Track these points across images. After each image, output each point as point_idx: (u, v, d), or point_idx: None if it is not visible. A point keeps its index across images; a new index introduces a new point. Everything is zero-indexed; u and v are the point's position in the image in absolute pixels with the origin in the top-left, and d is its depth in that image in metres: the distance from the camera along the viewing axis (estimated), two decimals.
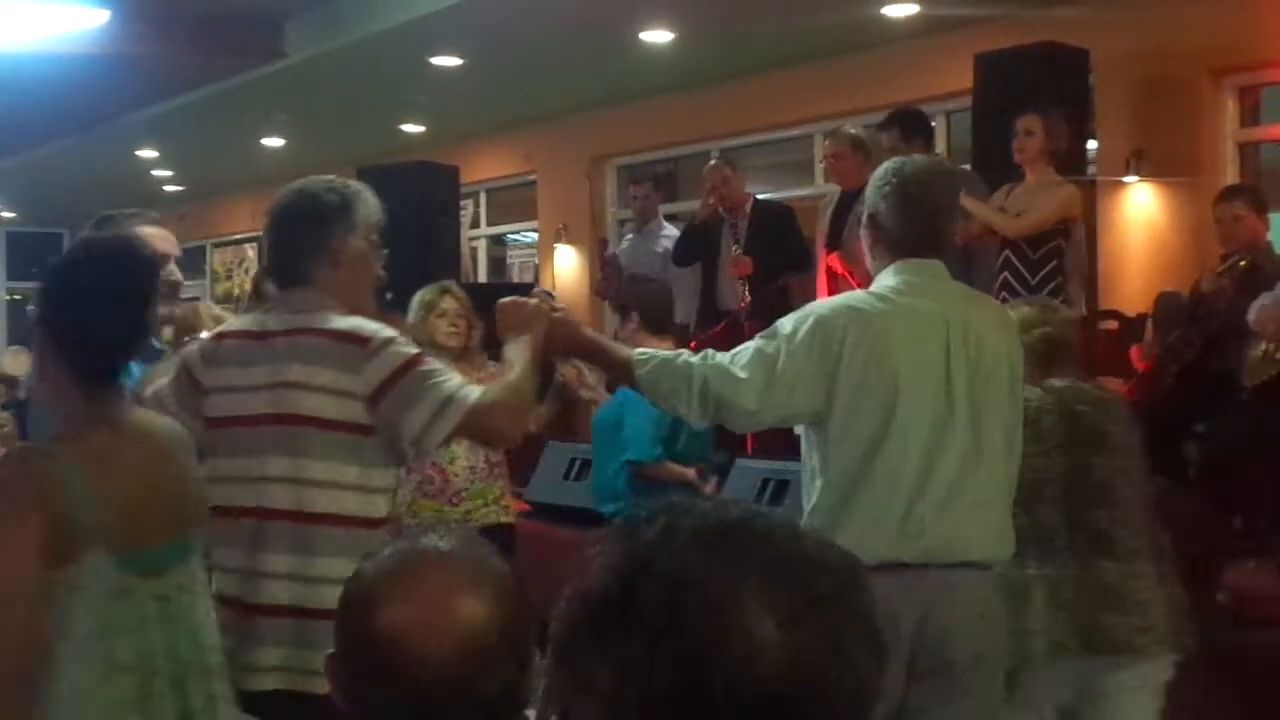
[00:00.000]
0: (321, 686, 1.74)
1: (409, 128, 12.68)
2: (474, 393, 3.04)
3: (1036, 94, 6.81)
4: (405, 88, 10.98)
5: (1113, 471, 3.67)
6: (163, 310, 3.49)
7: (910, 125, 6.79)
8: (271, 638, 2.99)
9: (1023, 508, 3.39)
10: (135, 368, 3.41)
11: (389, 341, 3.05)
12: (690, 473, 5.34)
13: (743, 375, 3.12)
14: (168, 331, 3.81)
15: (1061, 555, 3.62)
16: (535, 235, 13.26)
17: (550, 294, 5.15)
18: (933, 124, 8.04)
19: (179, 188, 16.71)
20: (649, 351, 3.29)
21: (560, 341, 3.31)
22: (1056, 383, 3.76)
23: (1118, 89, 8.11)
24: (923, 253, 3.28)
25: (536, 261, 13.25)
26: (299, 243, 3.15)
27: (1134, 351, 6.87)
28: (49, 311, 2.55)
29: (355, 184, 3.26)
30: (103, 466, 2.45)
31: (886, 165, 3.41)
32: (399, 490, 5.20)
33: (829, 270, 7.10)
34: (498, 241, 14.56)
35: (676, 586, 0.96)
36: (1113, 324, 7.81)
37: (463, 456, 5.43)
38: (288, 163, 14.49)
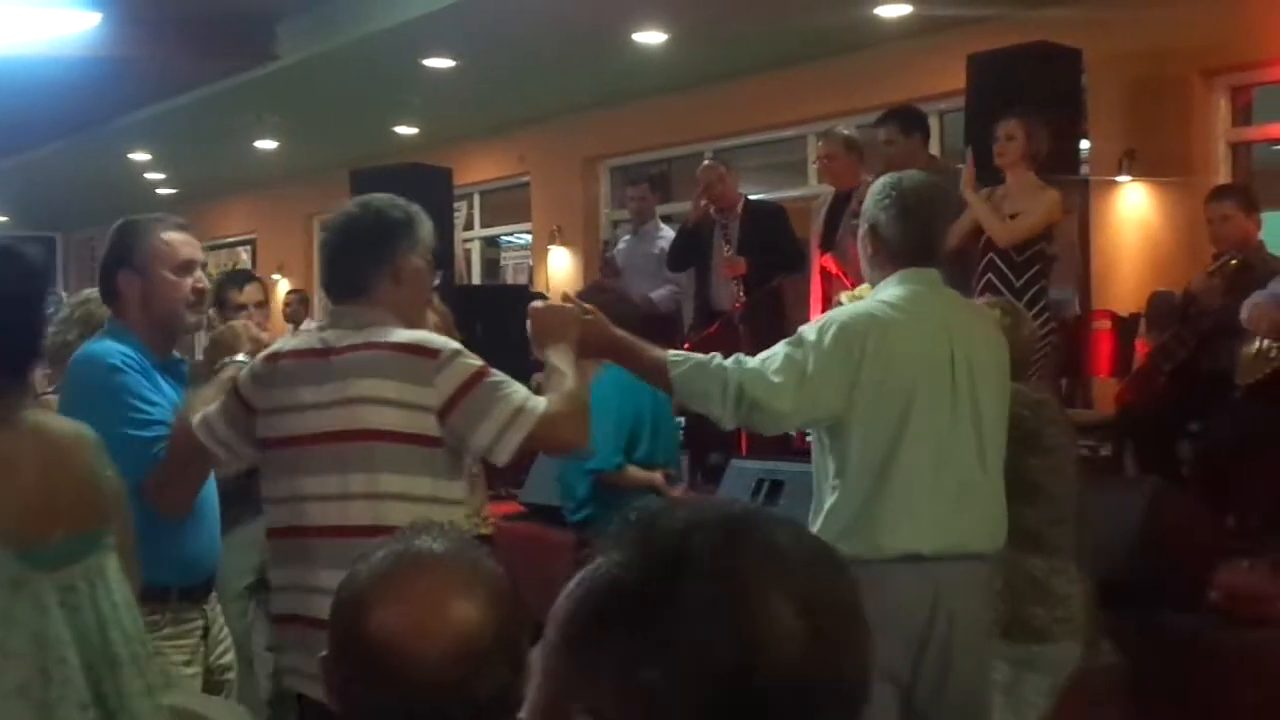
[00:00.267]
0: None
1: (402, 130, 12.68)
2: (541, 403, 3.05)
3: (1029, 94, 6.82)
4: (398, 89, 10.98)
5: (1046, 472, 3.86)
6: (193, 319, 3.49)
7: (909, 120, 6.79)
8: None
9: None
10: (172, 390, 3.38)
11: (457, 353, 3.06)
12: (656, 477, 5.31)
13: (776, 380, 3.30)
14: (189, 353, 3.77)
15: None
16: (529, 237, 13.27)
17: (544, 296, 5.15)
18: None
19: (172, 191, 16.70)
20: (683, 353, 3.43)
21: (594, 344, 3.36)
22: None
23: (1110, 89, 8.12)
24: (921, 261, 3.51)
25: (530, 263, 13.25)
26: (364, 257, 3.16)
27: (1139, 345, 6.89)
28: None
29: (414, 205, 3.27)
30: None
31: (885, 179, 3.61)
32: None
33: (823, 271, 7.11)
34: (491, 243, 14.56)
35: (717, 576, 0.98)
36: (1106, 324, 7.83)
37: None
38: (281, 165, 14.53)
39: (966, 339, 3.47)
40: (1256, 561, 5.36)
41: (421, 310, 3.32)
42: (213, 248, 18.09)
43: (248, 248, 17.50)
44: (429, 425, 3.02)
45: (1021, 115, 6.13)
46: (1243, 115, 8.19)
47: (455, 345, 3.10)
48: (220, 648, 3.46)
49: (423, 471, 3.05)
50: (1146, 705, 4.51)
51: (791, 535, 1.03)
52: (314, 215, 15.94)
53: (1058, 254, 6.57)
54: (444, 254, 10.09)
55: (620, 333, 3.46)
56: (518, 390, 3.06)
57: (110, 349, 3.33)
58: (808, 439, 9.02)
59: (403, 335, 3.09)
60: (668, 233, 8.91)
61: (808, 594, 1.00)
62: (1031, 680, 3.88)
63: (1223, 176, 7.83)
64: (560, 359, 3.19)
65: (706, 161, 8.44)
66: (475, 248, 14.11)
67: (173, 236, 3.44)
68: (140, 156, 14.65)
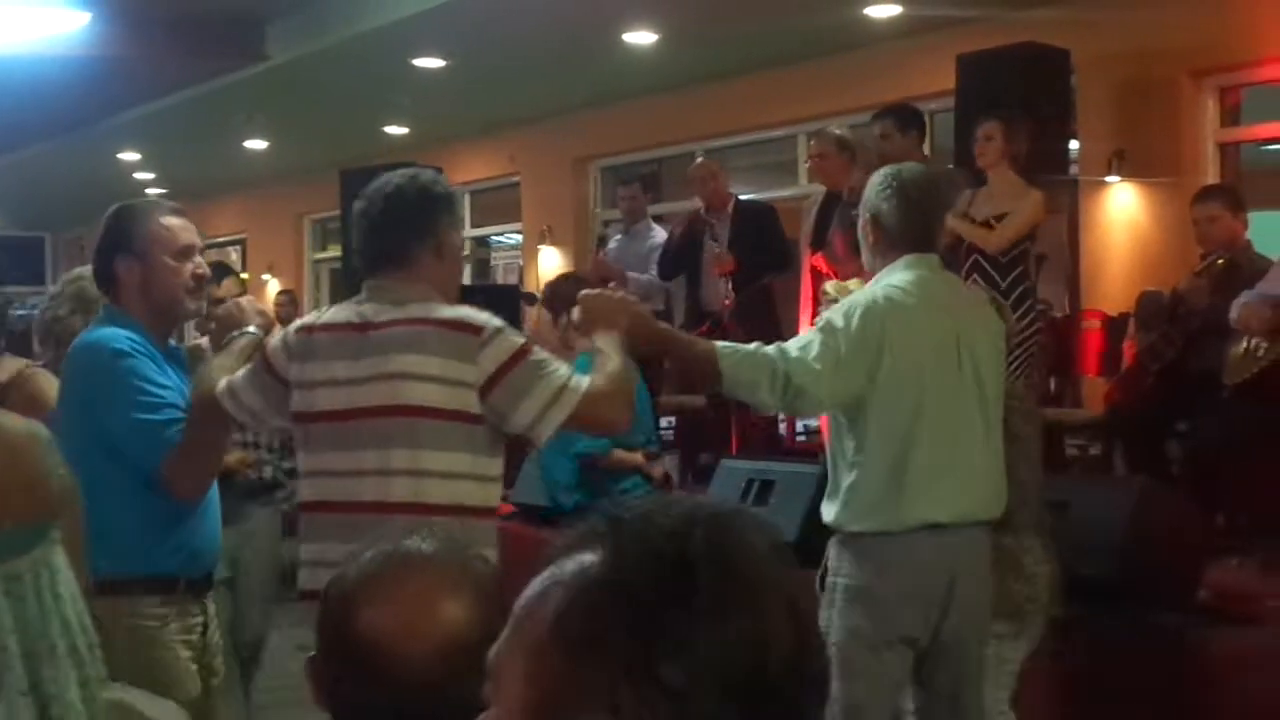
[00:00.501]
0: None
1: (392, 129, 12.66)
2: (585, 382, 3.04)
3: (1018, 95, 6.83)
4: (388, 89, 10.97)
5: (1015, 456, 3.95)
6: (193, 305, 3.41)
7: (906, 117, 6.80)
8: None
9: None
10: (175, 375, 3.33)
11: (500, 330, 3.04)
12: (638, 457, 5.41)
13: (818, 366, 3.50)
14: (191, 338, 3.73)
15: None
16: (519, 237, 13.26)
17: (534, 297, 5.16)
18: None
19: (161, 191, 16.66)
20: (730, 344, 3.63)
21: (641, 334, 3.39)
22: None
23: (1099, 89, 8.13)
24: (922, 248, 3.71)
25: (521, 263, 13.25)
26: (408, 229, 3.13)
27: (1127, 346, 6.90)
28: None
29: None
30: None
31: (885, 171, 3.80)
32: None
33: (813, 270, 7.11)
34: (482, 243, 14.55)
35: (731, 577, 0.98)
36: (1095, 323, 7.84)
37: None
38: (271, 165, 14.50)
39: (969, 321, 3.71)
40: (1245, 560, 5.37)
41: (457, 288, 3.29)
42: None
43: (237, 248, 17.47)
44: (471, 402, 3.00)
45: (999, 116, 6.14)
46: (1231, 116, 8.20)
47: (498, 322, 3.08)
48: (214, 647, 3.41)
49: (463, 448, 3.02)
50: (1136, 703, 4.52)
51: (767, 535, 1.04)
52: (304, 215, 15.93)
53: (1044, 253, 6.58)
54: None
55: (665, 326, 3.61)
56: (560, 369, 3.04)
57: (114, 334, 3.25)
58: (798, 439, 9.06)
59: (446, 311, 3.07)
60: (659, 232, 8.92)
61: (791, 593, 1.02)
62: (1008, 655, 4.01)
63: (1211, 177, 7.84)
64: (608, 344, 3.19)
65: (699, 159, 8.45)
66: (466, 247, 14.10)
67: (172, 221, 3.36)
68: (130, 156, 14.62)
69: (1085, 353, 7.93)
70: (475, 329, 3.02)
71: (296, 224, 16.00)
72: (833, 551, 3.70)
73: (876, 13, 8.70)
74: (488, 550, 2.64)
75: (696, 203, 8.08)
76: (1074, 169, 8.16)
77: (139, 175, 15.59)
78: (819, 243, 7.19)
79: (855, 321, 3.53)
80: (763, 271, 7.79)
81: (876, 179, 3.78)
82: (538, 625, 1.01)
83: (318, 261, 16.13)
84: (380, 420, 3.02)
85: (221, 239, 17.47)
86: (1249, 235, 6.19)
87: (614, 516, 1.03)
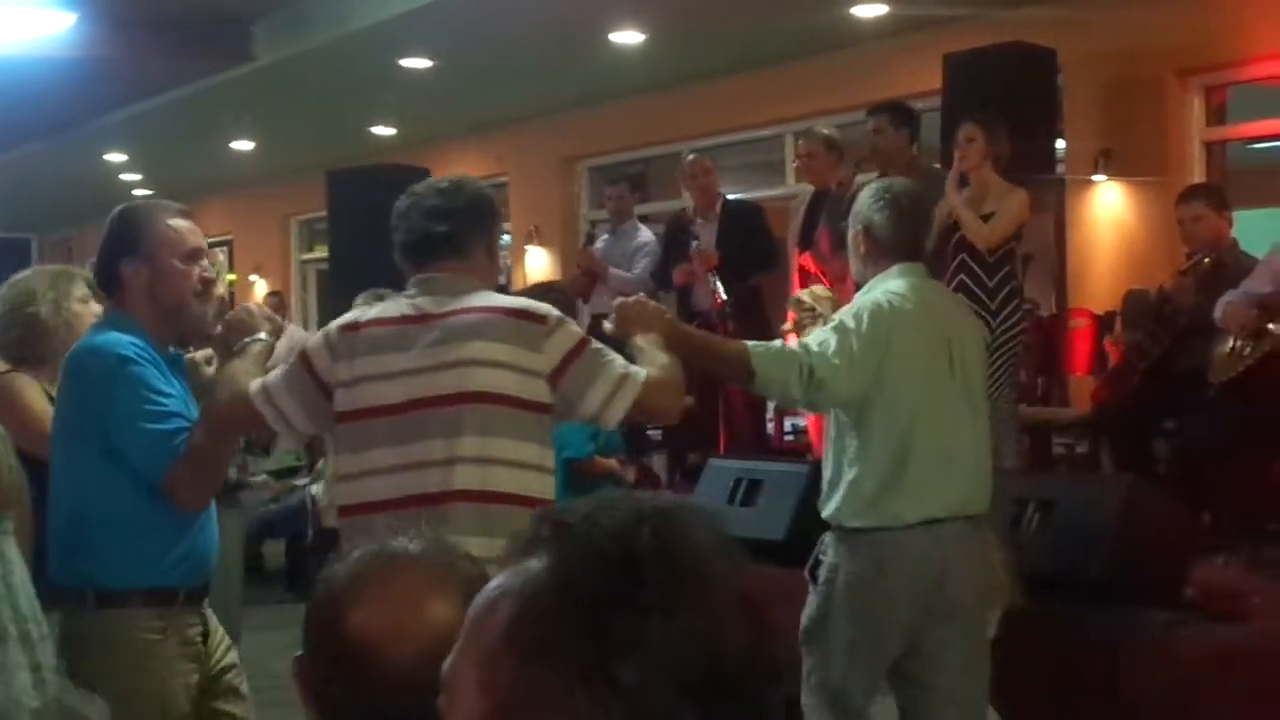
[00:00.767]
0: None
1: (379, 130, 12.65)
2: (642, 371, 3.11)
3: (1005, 94, 6.85)
4: (375, 90, 10.96)
5: None
6: (200, 310, 3.32)
7: (900, 114, 6.81)
8: None
9: None
10: (178, 382, 3.26)
11: (562, 320, 3.11)
12: (613, 464, 5.74)
13: (837, 362, 3.69)
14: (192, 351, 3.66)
15: None
16: (507, 237, 13.24)
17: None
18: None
19: (148, 192, 16.61)
20: (761, 344, 3.84)
21: (674, 339, 3.48)
22: None
23: (1086, 89, 8.15)
24: (912, 257, 3.92)
25: (509, 263, 13.23)
26: (468, 224, 3.19)
27: (1111, 344, 6.92)
28: None
29: None
30: None
31: (877, 184, 4.07)
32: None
33: (801, 269, 7.12)
34: None
35: (676, 575, 0.98)
36: (1082, 322, 7.86)
37: None
38: (257, 166, 14.48)
39: (959, 326, 3.98)
40: (1231, 558, 5.39)
41: (495, 289, 3.35)
42: None
43: (224, 249, 17.42)
44: (541, 391, 3.04)
45: (979, 118, 6.15)
46: (1217, 115, 8.23)
47: (558, 312, 3.15)
48: (220, 649, 3.35)
49: (532, 439, 3.06)
50: (1122, 701, 4.53)
51: (713, 530, 1.04)
52: (291, 216, 15.90)
53: (1031, 252, 6.59)
54: None
55: (695, 329, 3.81)
56: (617, 358, 3.12)
57: (118, 340, 3.17)
58: (786, 438, 9.06)
59: (509, 300, 3.14)
60: (645, 232, 8.91)
61: (740, 588, 1.02)
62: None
63: (1197, 176, 7.87)
64: (650, 344, 3.28)
65: (691, 156, 8.46)
66: None
67: (179, 223, 3.30)
68: (116, 157, 14.58)
69: (1072, 351, 7.95)
70: (541, 318, 3.08)
71: (283, 225, 15.97)
72: (831, 546, 3.86)
73: (863, 12, 8.71)
74: None
75: (684, 201, 8.08)
76: (1060, 168, 8.18)
77: (125, 176, 15.55)
78: (806, 242, 7.20)
79: (865, 322, 3.74)
80: (750, 271, 7.80)
81: (869, 192, 3.99)
82: (489, 635, 1.01)
83: (305, 262, 16.10)
84: (446, 408, 3.03)
85: (210, 239, 17.38)
86: (1235, 234, 6.21)
87: (557, 521, 1.03)
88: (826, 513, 3.84)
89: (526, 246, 12.36)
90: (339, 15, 9.40)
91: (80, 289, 3.88)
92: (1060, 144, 8.03)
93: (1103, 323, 7.61)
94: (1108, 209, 8.29)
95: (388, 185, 9.53)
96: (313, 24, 9.65)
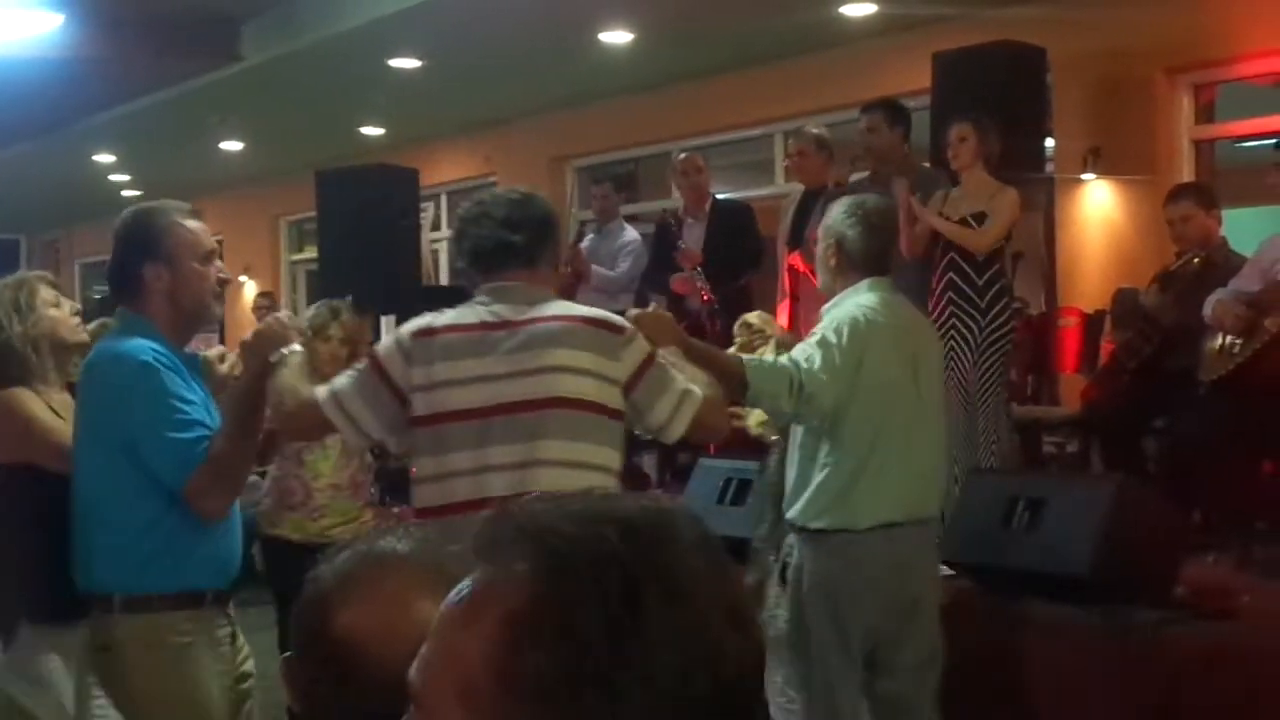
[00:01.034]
0: None
1: (368, 130, 12.64)
2: (697, 389, 3.21)
3: (994, 93, 6.85)
4: (364, 90, 10.94)
5: None
6: (219, 310, 3.32)
7: (894, 113, 6.81)
8: None
9: None
10: (199, 385, 3.23)
11: (636, 331, 3.22)
12: None
13: (824, 376, 3.88)
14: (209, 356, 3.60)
15: None
16: None
17: None
18: None
19: (137, 192, 16.58)
20: (752, 356, 4.16)
21: (684, 351, 3.59)
22: None
23: (1075, 87, 8.16)
24: (881, 271, 4.13)
25: None
26: (536, 236, 3.27)
27: (1105, 346, 6.92)
28: None
29: None
30: None
31: (849, 200, 4.24)
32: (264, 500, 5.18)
33: (791, 269, 7.12)
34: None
35: (671, 600, 0.95)
36: (1072, 320, 7.86)
37: (327, 474, 5.38)
38: (246, 167, 14.46)
39: (922, 339, 4.22)
40: (1221, 556, 5.39)
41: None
42: None
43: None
44: (617, 398, 3.13)
45: (971, 117, 6.15)
46: (1206, 113, 8.24)
47: (630, 324, 3.25)
48: (242, 655, 3.34)
49: (610, 444, 3.14)
50: (1111, 699, 4.53)
51: (701, 541, 1.00)
52: (280, 216, 15.87)
53: (1020, 251, 6.59)
54: (411, 254, 10.08)
55: (697, 342, 3.93)
56: (678, 375, 3.23)
57: (140, 345, 3.14)
58: (772, 438, 9.07)
59: (587, 309, 3.25)
60: (630, 231, 8.92)
61: (732, 602, 0.99)
62: None
63: (1186, 174, 7.88)
64: (675, 358, 3.36)
65: (683, 155, 8.45)
66: (443, 248, 14.05)
67: (194, 225, 3.29)
68: (105, 158, 14.54)
69: (1062, 350, 7.96)
70: (619, 328, 3.18)
71: (273, 225, 15.94)
72: (797, 547, 4.07)
73: (852, 11, 8.72)
74: None
75: (674, 200, 8.07)
76: (1050, 167, 8.18)
77: (114, 177, 15.51)
78: (796, 241, 7.19)
79: (844, 337, 3.94)
80: (741, 270, 7.80)
81: (841, 207, 4.18)
82: (469, 659, 0.96)
83: (294, 263, 16.07)
84: (529, 413, 3.08)
85: None
86: (1224, 232, 6.21)
87: (534, 527, 0.99)
88: (791, 514, 4.04)
89: None
90: (327, 15, 9.38)
91: (45, 292, 3.77)
92: (1049, 143, 8.03)
93: (1092, 321, 7.62)
94: (1097, 207, 8.30)
95: (377, 185, 9.68)
96: (301, 24, 9.63)
